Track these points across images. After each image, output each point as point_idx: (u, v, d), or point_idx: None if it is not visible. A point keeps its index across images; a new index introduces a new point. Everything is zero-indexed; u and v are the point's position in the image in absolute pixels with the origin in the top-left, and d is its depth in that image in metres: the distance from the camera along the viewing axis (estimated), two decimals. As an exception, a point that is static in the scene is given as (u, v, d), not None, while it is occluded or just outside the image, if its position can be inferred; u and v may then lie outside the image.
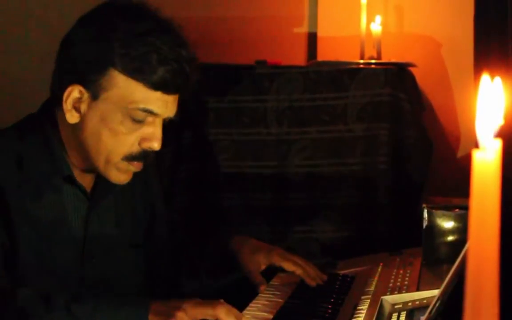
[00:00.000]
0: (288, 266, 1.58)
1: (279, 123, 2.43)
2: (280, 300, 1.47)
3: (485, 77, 0.50)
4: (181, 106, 2.52)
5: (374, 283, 1.52)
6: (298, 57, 2.83)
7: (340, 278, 1.60)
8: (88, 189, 1.46)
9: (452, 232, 1.60)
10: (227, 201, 2.43)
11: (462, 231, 1.59)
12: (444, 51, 2.77)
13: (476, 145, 0.49)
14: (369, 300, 1.40)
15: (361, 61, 2.58)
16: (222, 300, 1.29)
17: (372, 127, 2.40)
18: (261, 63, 2.55)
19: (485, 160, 0.47)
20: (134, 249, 1.56)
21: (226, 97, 2.45)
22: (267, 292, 1.52)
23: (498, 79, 0.50)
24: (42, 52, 2.52)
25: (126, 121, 1.36)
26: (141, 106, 1.35)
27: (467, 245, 0.50)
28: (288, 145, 2.43)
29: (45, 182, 1.40)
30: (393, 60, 2.57)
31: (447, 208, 1.62)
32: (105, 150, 1.37)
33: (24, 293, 1.27)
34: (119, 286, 1.50)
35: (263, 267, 1.60)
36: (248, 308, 1.42)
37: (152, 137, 1.38)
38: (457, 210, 1.61)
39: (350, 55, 2.67)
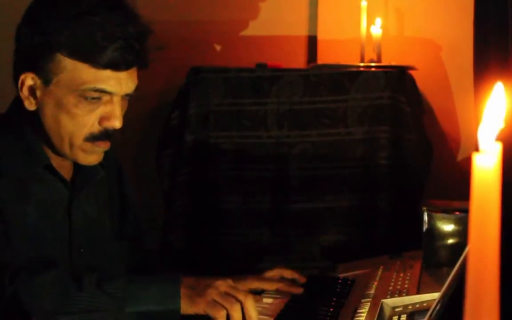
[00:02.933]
0: (269, 286, 1.57)
1: (280, 126, 2.43)
2: (281, 303, 1.46)
3: (485, 81, 0.50)
4: (182, 109, 2.53)
5: (374, 286, 1.51)
6: (299, 60, 2.84)
7: (340, 281, 1.60)
8: (68, 179, 1.45)
9: (452, 235, 1.60)
10: (227, 204, 2.43)
11: (462, 234, 1.59)
12: (444, 54, 2.77)
13: (476, 148, 0.49)
14: (369, 303, 1.40)
15: (361, 64, 2.59)
16: (251, 293, 1.34)
17: (372, 130, 2.40)
18: (262, 66, 2.55)
19: (485, 164, 0.47)
20: (119, 242, 1.55)
21: (227, 100, 2.45)
22: (267, 295, 1.52)
23: (499, 84, 0.50)
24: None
25: (81, 103, 1.34)
26: (92, 86, 1.33)
27: (467, 248, 0.50)
28: (288, 148, 2.43)
29: (25, 176, 1.39)
30: (393, 63, 2.58)
31: (447, 211, 1.62)
32: (66, 134, 1.36)
33: (53, 271, 1.28)
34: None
35: None
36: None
37: (110, 116, 1.36)
38: (457, 213, 1.61)
39: (350, 58, 2.67)
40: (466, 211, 1.59)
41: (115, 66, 1.34)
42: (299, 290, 1.54)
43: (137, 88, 1.40)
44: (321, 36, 2.82)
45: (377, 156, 2.40)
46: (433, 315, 1.03)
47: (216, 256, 2.43)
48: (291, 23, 2.87)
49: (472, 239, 0.48)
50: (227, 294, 1.31)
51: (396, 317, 1.32)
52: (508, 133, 0.58)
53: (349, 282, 1.58)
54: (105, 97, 1.36)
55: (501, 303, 0.49)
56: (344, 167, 2.41)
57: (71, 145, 1.38)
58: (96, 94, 1.35)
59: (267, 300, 1.49)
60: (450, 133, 2.77)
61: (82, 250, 1.45)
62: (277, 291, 1.54)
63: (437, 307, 1.04)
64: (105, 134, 1.38)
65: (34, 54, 1.35)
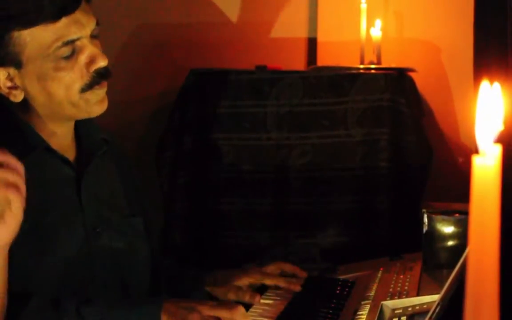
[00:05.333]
0: (269, 281, 1.57)
1: (279, 128, 2.43)
2: (280, 305, 1.46)
3: (484, 83, 0.50)
4: (182, 111, 2.53)
5: (374, 288, 1.52)
6: (298, 62, 2.84)
7: (340, 283, 1.60)
8: (72, 159, 1.43)
9: (452, 237, 1.60)
10: (227, 206, 2.43)
11: (462, 236, 1.59)
12: (444, 56, 2.78)
13: (476, 151, 0.49)
14: (369, 305, 1.40)
15: (361, 66, 2.59)
16: (240, 305, 1.28)
17: (372, 132, 2.40)
18: (261, 68, 2.55)
19: (485, 166, 0.47)
20: (134, 218, 1.52)
21: (226, 102, 2.45)
22: (268, 297, 1.52)
23: (497, 85, 0.50)
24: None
25: (59, 64, 1.33)
26: (59, 43, 1.32)
27: (467, 250, 0.50)
28: (288, 150, 2.43)
29: (26, 161, 1.38)
30: (393, 65, 2.58)
31: (447, 213, 1.62)
32: (63, 99, 1.35)
33: (34, 301, 1.24)
34: (128, 259, 1.47)
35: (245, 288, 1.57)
36: (248, 313, 1.42)
37: (92, 58, 1.35)
38: (457, 215, 1.61)
39: (350, 60, 2.67)
40: (466, 213, 1.59)
41: (64, 11, 1.32)
42: (297, 287, 1.55)
43: (98, 23, 1.38)
44: (321, 38, 2.82)
45: (377, 158, 2.40)
46: (433, 317, 1.03)
47: (216, 258, 2.43)
48: (290, 25, 2.87)
49: (472, 241, 0.48)
50: (210, 317, 1.25)
51: (396, 319, 1.32)
52: (507, 135, 0.58)
53: (349, 284, 1.58)
54: (77, 46, 1.34)
55: (501, 305, 0.49)
56: (344, 169, 2.41)
57: (73, 105, 1.36)
58: (67, 49, 1.33)
59: (267, 302, 1.49)
60: (449, 135, 2.77)
61: (98, 229, 1.42)
62: (277, 293, 1.54)
63: (437, 309, 1.04)
64: (99, 76, 1.36)
65: None
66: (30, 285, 1.31)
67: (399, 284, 1.51)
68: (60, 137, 1.42)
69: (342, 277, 1.66)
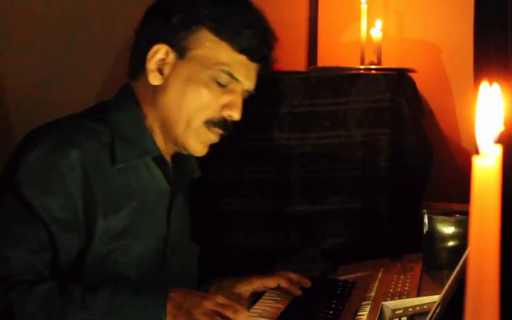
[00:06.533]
0: (270, 282, 1.57)
1: (280, 128, 2.43)
2: (281, 305, 1.46)
3: (484, 84, 0.50)
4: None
5: (374, 288, 1.52)
6: (299, 63, 2.84)
7: (340, 283, 1.60)
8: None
9: (453, 237, 1.60)
10: (227, 206, 2.43)
11: (462, 237, 1.59)
12: (444, 57, 2.78)
13: (477, 151, 0.49)
14: (369, 306, 1.40)
15: (362, 66, 2.59)
16: (244, 309, 1.27)
17: (372, 133, 2.40)
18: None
19: (486, 166, 0.47)
20: (195, 244, 1.56)
21: (227, 102, 2.45)
22: (268, 297, 1.52)
23: (497, 85, 0.50)
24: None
25: (210, 83, 1.35)
26: (226, 68, 1.35)
27: (467, 251, 0.50)
28: (289, 150, 2.43)
29: (136, 166, 1.38)
30: (394, 65, 2.58)
31: (448, 213, 1.62)
32: (187, 113, 1.36)
33: (43, 286, 1.24)
34: (188, 280, 1.50)
35: (247, 295, 1.58)
36: (248, 313, 1.42)
37: (233, 105, 1.38)
38: (457, 215, 1.61)
39: (350, 61, 2.67)
40: (466, 213, 1.59)
41: (251, 53, 1.36)
42: (298, 290, 1.55)
43: (253, 92, 1.41)
44: (321, 38, 2.82)
45: (377, 158, 2.40)
46: (433, 318, 1.03)
47: (216, 258, 2.43)
48: (291, 25, 2.87)
49: (472, 242, 0.48)
50: (214, 313, 1.24)
51: (396, 319, 1.32)
52: (507, 136, 0.58)
53: (349, 284, 1.58)
54: (232, 85, 1.37)
55: (502, 305, 0.49)
56: (344, 169, 2.41)
57: (188, 126, 1.37)
58: (226, 79, 1.36)
59: (267, 302, 1.49)
60: (450, 135, 2.77)
61: (174, 248, 1.44)
62: (278, 294, 1.54)
63: (438, 310, 1.04)
64: (222, 123, 1.38)
65: (174, 26, 1.34)
66: (107, 279, 1.33)
67: (400, 285, 1.51)
68: (165, 153, 1.43)
69: (342, 277, 1.66)
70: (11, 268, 1.24)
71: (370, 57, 2.62)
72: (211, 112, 1.37)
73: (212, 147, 2.48)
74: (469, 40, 2.42)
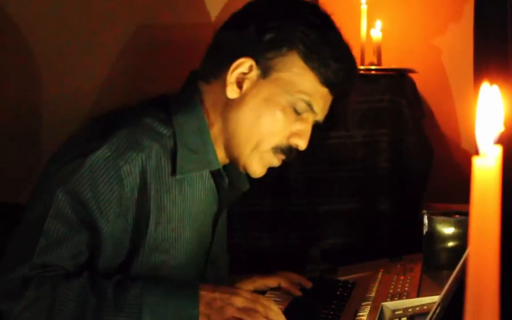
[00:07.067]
0: (271, 282, 1.57)
1: (280, 129, 2.43)
2: (281, 306, 1.46)
3: (484, 84, 0.50)
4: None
5: (374, 289, 1.52)
6: (299, 63, 2.83)
7: (340, 284, 1.60)
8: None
9: (453, 238, 1.60)
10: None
11: (462, 237, 1.59)
12: (444, 57, 2.78)
13: (477, 152, 0.49)
14: (369, 306, 1.40)
15: (361, 67, 2.58)
16: (273, 302, 1.28)
17: (372, 133, 2.40)
18: (262, 69, 2.55)
19: (485, 167, 0.47)
20: (227, 254, 1.55)
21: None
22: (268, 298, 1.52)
23: (496, 86, 0.50)
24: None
25: (288, 109, 1.32)
26: (307, 98, 1.32)
27: (467, 251, 0.50)
28: (288, 151, 2.43)
29: (193, 176, 1.34)
30: (393, 66, 2.58)
31: (447, 214, 1.62)
32: (258, 135, 1.33)
33: (76, 282, 1.22)
34: None
35: None
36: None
37: (302, 134, 1.35)
38: (457, 216, 1.61)
39: (350, 61, 2.67)
40: (466, 214, 1.59)
41: (334, 87, 1.34)
42: (298, 291, 1.55)
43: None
44: (321, 39, 2.82)
45: (377, 159, 2.40)
46: (433, 318, 1.03)
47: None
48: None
49: (472, 242, 0.48)
50: (246, 309, 1.24)
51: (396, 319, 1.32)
52: (507, 137, 0.59)
53: (349, 285, 1.58)
54: (306, 114, 1.34)
55: (502, 306, 0.49)
56: (344, 170, 2.41)
57: (255, 148, 1.34)
58: (304, 108, 1.33)
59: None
60: (450, 136, 2.77)
61: (214, 261, 1.43)
62: (277, 294, 1.54)
63: (437, 310, 1.04)
64: (288, 151, 1.36)
65: (265, 42, 1.31)
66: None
67: (400, 285, 1.51)
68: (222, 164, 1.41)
69: (342, 278, 1.66)
70: (46, 266, 1.23)
71: (370, 57, 2.62)
72: (281, 139, 1.34)
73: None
74: (469, 40, 2.42)
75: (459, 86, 2.74)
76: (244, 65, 1.32)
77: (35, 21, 2.73)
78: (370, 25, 2.64)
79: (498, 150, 0.48)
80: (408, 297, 1.42)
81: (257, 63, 1.32)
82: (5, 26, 2.73)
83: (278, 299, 1.51)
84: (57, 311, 1.21)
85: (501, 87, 0.51)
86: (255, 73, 1.32)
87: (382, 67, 2.57)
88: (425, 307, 1.32)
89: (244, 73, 1.32)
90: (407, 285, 1.50)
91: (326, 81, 1.33)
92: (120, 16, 2.75)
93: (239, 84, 1.33)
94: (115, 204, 1.26)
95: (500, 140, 0.49)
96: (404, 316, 1.32)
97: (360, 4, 2.65)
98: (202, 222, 1.40)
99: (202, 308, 1.23)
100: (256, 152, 1.35)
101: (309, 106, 1.34)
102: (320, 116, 1.38)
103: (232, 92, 1.33)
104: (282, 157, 1.37)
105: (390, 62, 2.63)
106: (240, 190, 1.47)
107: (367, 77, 2.45)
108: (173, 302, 1.23)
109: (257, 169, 1.38)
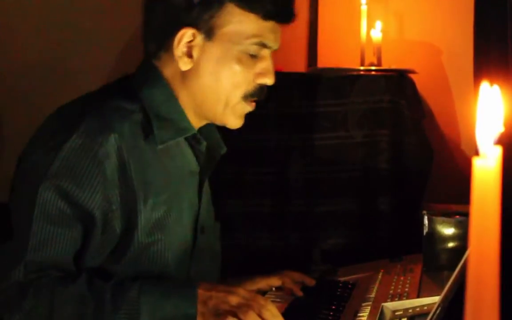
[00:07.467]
0: (275, 281, 1.57)
1: (280, 129, 2.43)
2: (281, 306, 1.46)
3: (484, 85, 0.50)
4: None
5: (374, 289, 1.52)
6: (299, 64, 2.84)
7: (340, 284, 1.60)
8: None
9: (453, 238, 1.60)
10: (227, 207, 2.43)
11: (462, 238, 1.59)
12: (444, 58, 2.78)
13: (477, 152, 0.49)
14: (369, 307, 1.40)
15: (362, 67, 2.59)
16: (269, 301, 1.28)
17: (372, 134, 2.40)
18: (262, 69, 2.55)
19: (486, 167, 0.47)
20: (218, 222, 1.55)
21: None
22: (269, 298, 1.52)
23: (497, 86, 0.50)
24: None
25: (243, 58, 1.33)
26: (256, 40, 1.33)
27: (467, 252, 0.50)
28: (289, 151, 2.43)
29: (169, 146, 1.35)
30: (393, 66, 2.58)
31: (448, 214, 1.62)
32: (225, 92, 1.34)
33: (76, 286, 1.22)
34: (216, 260, 1.50)
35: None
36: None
37: (266, 71, 1.36)
38: (457, 216, 1.61)
39: (350, 62, 2.67)
40: (466, 214, 1.59)
41: (277, 16, 1.34)
42: (299, 291, 1.55)
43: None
44: (321, 39, 2.82)
45: (377, 159, 2.40)
46: (433, 319, 1.03)
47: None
48: (291, 26, 2.86)
49: (472, 243, 0.48)
50: (240, 306, 1.24)
51: (397, 320, 1.32)
52: (508, 137, 0.58)
53: (349, 286, 1.58)
54: (262, 52, 1.35)
55: (502, 306, 0.49)
56: (344, 170, 2.41)
57: (226, 105, 1.35)
58: (258, 49, 1.34)
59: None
60: (450, 136, 2.76)
61: (204, 228, 1.43)
62: (278, 294, 1.54)
63: (438, 311, 1.04)
64: (258, 92, 1.37)
65: (197, 8, 1.31)
66: (142, 267, 1.31)
67: (400, 286, 1.51)
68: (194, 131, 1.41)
69: (342, 278, 1.66)
70: (41, 269, 1.23)
71: (370, 58, 2.62)
72: (246, 86, 1.35)
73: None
74: (469, 41, 2.42)
75: (459, 86, 2.74)
76: (186, 35, 1.32)
77: (35, 20, 2.73)
78: (370, 26, 2.64)
79: (498, 151, 0.48)
80: (408, 297, 1.42)
81: (198, 28, 1.32)
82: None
83: (279, 299, 1.51)
84: (56, 318, 1.21)
85: (501, 87, 0.51)
86: (199, 38, 1.32)
87: (382, 67, 2.57)
88: (425, 307, 1.32)
89: (189, 42, 1.33)
90: (407, 285, 1.50)
91: (267, 15, 1.34)
92: (121, 16, 2.75)
93: (189, 53, 1.33)
94: (100, 189, 1.25)
95: (500, 141, 0.49)
96: (404, 317, 1.32)
97: (360, 4, 2.65)
98: (188, 192, 1.40)
99: (199, 307, 1.24)
100: (228, 108, 1.36)
101: (262, 45, 1.35)
102: (275, 46, 1.38)
103: (184, 64, 1.34)
104: (253, 102, 1.39)
105: (390, 62, 2.63)
106: (218, 153, 1.48)
107: (367, 78, 2.45)
108: (171, 301, 1.23)
109: (234, 123, 1.39)
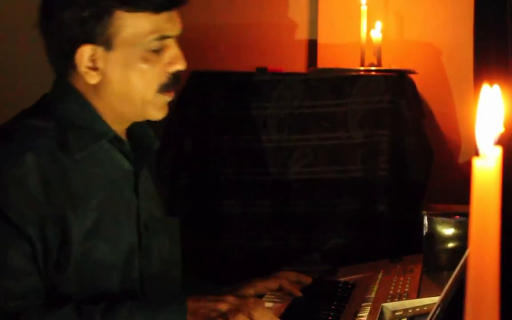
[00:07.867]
0: (272, 284, 1.57)
1: (280, 130, 2.43)
2: (281, 307, 1.46)
3: (485, 85, 0.50)
4: (182, 113, 2.52)
5: (374, 290, 1.52)
6: (299, 64, 2.84)
7: (340, 285, 1.60)
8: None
9: (453, 239, 1.60)
10: (228, 208, 2.43)
11: (462, 238, 1.59)
12: (444, 58, 2.78)
13: (477, 153, 0.49)
14: (369, 307, 1.40)
15: (362, 68, 2.59)
16: (261, 300, 1.29)
17: (372, 134, 2.40)
18: (262, 70, 2.55)
19: (486, 168, 0.47)
20: (173, 218, 1.55)
21: (227, 104, 2.45)
22: (268, 299, 1.52)
23: (497, 87, 0.50)
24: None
25: (147, 56, 1.34)
26: (155, 35, 1.33)
27: (467, 252, 0.50)
28: (289, 152, 2.43)
29: (94, 154, 1.36)
30: (393, 67, 2.58)
31: (448, 215, 1.62)
32: (138, 94, 1.35)
33: (64, 313, 1.23)
34: (171, 256, 1.49)
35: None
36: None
37: (174, 59, 1.36)
38: (457, 217, 1.61)
39: (350, 62, 2.67)
40: (466, 215, 1.59)
41: (169, 5, 1.34)
42: (298, 292, 1.55)
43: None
44: (321, 40, 2.83)
45: (377, 160, 2.40)
46: (433, 319, 1.03)
47: (216, 260, 2.43)
48: (291, 27, 2.87)
49: (472, 243, 0.48)
50: (230, 311, 1.27)
51: (397, 320, 1.32)
52: (507, 137, 0.59)
53: (349, 286, 1.58)
54: (166, 42, 1.36)
55: (502, 306, 0.49)
56: (344, 171, 2.41)
57: (143, 103, 1.36)
58: (158, 43, 1.34)
59: (267, 305, 1.49)
60: (450, 137, 2.77)
61: (148, 226, 1.43)
62: (277, 295, 1.54)
63: (438, 311, 1.04)
64: (174, 80, 1.37)
65: (89, 24, 1.31)
66: (88, 275, 1.32)
67: (400, 286, 1.51)
68: (120, 133, 1.42)
69: (342, 279, 1.66)
70: (17, 300, 1.23)
71: (370, 58, 2.62)
72: (159, 79, 1.36)
73: (212, 149, 2.49)
74: (469, 41, 2.42)
75: (459, 87, 2.74)
76: (85, 52, 1.33)
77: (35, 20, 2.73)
78: (370, 26, 2.64)
79: (498, 151, 0.48)
80: (408, 298, 1.42)
81: (95, 42, 1.32)
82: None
83: (278, 300, 1.51)
84: None
85: (501, 88, 0.51)
86: (100, 51, 1.33)
87: (382, 68, 2.57)
88: (425, 308, 1.32)
89: (92, 56, 1.33)
90: (407, 286, 1.50)
91: (157, 8, 1.34)
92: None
93: (94, 67, 1.34)
94: (27, 207, 1.27)
95: (500, 141, 0.49)
96: (404, 317, 1.32)
97: (360, 5, 2.65)
98: (122, 193, 1.40)
99: (188, 318, 1.26)
100: (147, 104, 1.37)
101: (162, 38, 1.35)
102: (176, 31, 1.38)
103: (92, 78, 1.34)
104: (172, 91, 1.39)
105: (390, 63, 2.63)
106: (151, 149, 1.48)
107: (367, 78, 2.45)
108: (162, 316, 1.26)
109: (156, 115, 1.40)
